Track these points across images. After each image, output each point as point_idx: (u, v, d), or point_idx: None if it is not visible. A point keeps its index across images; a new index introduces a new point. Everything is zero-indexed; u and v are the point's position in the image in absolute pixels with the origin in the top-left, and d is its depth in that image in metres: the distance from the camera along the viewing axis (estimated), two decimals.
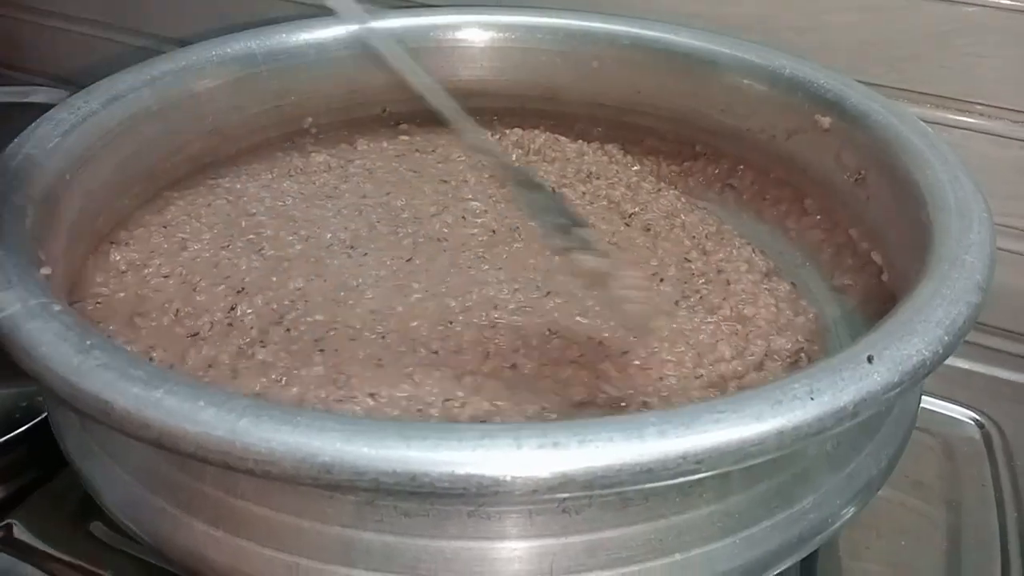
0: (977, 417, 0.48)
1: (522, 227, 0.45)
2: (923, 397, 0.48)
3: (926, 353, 0.27)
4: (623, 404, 0.34)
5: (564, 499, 0.26)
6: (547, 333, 0.37)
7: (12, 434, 0.44)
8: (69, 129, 0.40)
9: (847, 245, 0.44)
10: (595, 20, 0.53)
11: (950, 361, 0.51)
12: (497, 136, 0.54)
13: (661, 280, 0.41)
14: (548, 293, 0.40)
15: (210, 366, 0.35)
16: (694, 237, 0.45)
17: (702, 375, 0.35)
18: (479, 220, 0.46)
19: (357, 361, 0.35)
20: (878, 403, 0.25)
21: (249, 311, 0.38)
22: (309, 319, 0.38)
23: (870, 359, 0.26)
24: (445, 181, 0.49)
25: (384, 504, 0.26)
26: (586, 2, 0.54)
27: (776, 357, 0.37)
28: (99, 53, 0.75)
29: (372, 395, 0.33)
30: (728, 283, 0.41)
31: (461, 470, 0.22)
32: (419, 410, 0.33)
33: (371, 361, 0.35)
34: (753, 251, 0.44)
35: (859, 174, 0.43)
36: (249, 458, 0.23)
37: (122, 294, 0.39)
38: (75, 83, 0.77)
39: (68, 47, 0.78)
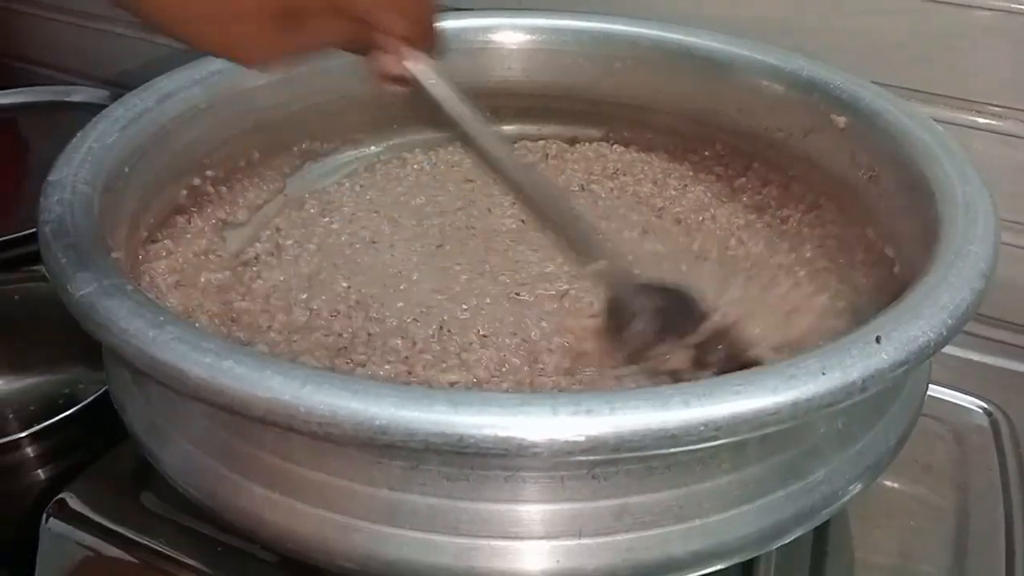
0: (986, 406, 0.50)
1: None
2: (934, 387, 0.50)
3: (931, 335, 0.29)
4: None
5: (594, 465, 0.28)
6: None
7: (59, 417, 0.47)
8: (127, 124, 0.42)
9: (862, 239, 0.46)
10: (618, 23, 0.55)
11: (961, 352, 0.54)
12: (522, 138, 0.57)
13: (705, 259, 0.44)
14: None
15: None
16: (727, 228, 0.47)
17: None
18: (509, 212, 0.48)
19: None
20: (885, 380, 0.28)
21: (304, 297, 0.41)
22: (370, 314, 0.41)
23: (878, 339, 0.28)
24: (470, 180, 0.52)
25: (428, 468, 0.29)
26: (610, 5, 0.56)
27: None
28: (141, 55, 0.78)
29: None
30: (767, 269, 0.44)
31: (504, 432, 0.25)
32: None
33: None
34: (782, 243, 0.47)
35: (873, 171, 0.45)
36: (313, 421, 0.25)
37: (176, 278, 0.42)
38: (114, 83, 0.81)
39: (109, 49, 0.81)
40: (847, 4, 0.52)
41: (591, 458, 0.27)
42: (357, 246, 0.47)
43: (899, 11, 0.51)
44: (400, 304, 0.42)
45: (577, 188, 0.52)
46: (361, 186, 0.53)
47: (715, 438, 0.26)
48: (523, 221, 0.47)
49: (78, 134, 0.41)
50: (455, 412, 0.25)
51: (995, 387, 0.51)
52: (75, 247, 0.33)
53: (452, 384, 0.37)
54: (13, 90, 0.78)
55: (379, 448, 0.27)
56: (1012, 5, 0.49)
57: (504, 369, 0.38)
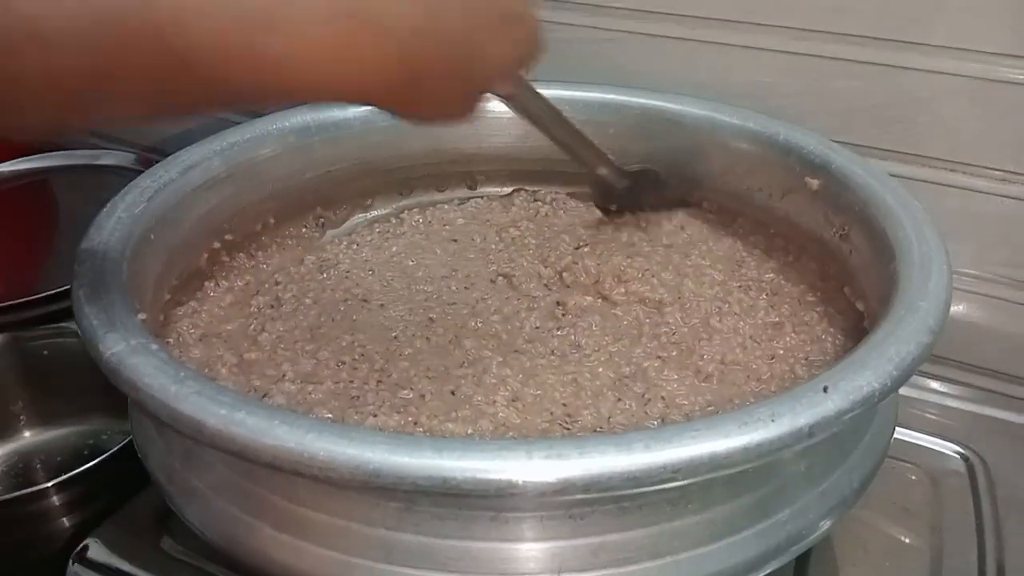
0: (963, 451, 0.52)
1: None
2: (912, 432, 0.53)
3: (875, 385, 0.32)
4: None
5: (570, 506, 0.31)
6: None
7: (84, 467, 0.49)
8: (153, 195, 0.46)
9: (837, 293, 0.49)
10: (611, 92, 0.59)
11: (939, 399, 0.56)
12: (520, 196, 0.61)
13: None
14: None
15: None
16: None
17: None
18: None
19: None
20: (832, 426, 0.30)
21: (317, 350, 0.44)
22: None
23: (825, 389, 0.31)
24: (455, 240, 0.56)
25: (421, 509, 0.32)
26: (604, 72, 0.60)
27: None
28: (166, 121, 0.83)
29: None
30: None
31: (483, 475, 0.28)
32: None
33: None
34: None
35: (843, 230, 0.48)
36: (315, 466, 0.28)
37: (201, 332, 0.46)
38: (140, 146, 0.85)
39: None
40: (828, 69, 0.56)
41: (565, 498, 0.30)
42: (350, 303, 0.50)
43: (873, 75, 0.55)
44: (404, 363, 0.45)
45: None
46: (357, 244, 0.56)
47: (674, 479, 0.29)
48: (503, 276, 0.51)
49: (108, 204, 0.45)
50: (440, 456, 0.28)
51: (971, 431, 0.53)
52: (106, 310, 0.36)
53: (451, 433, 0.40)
54: (46, 154, 0.82)
55: (375, 490, 0.30)
56: (975, 69, 0.52)
57: (504, 426, 0.40)
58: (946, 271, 0.39)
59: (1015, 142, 0.52)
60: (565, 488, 0.28)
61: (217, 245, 0.51)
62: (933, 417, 0.55)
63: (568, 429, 0.40)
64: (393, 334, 0.46)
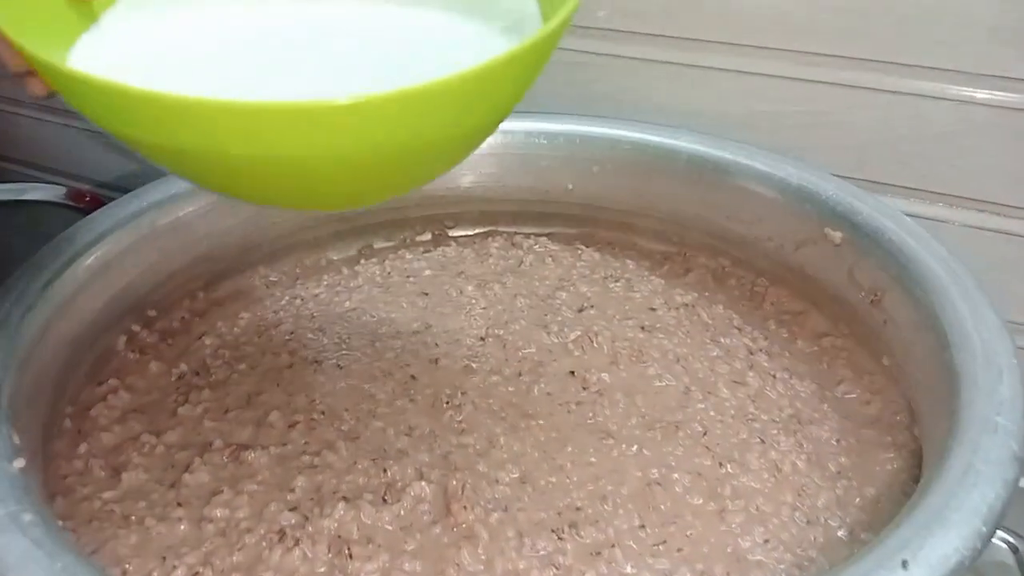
0: (1011, 540, 0.45)
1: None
2: None
3: (964, 552, 0.25)
4: None
5: None
6: None
7: None
8: (51, 278, 0.39)
9: (869, 362, 0.42)
10: (594, 125, 0.51)
11: None
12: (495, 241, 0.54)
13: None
14: None
15: None
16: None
17: None
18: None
19: None
20: None
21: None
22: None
23: (904, 564, 0.24)
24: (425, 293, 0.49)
25: None
26: (586, 105, 0.53)
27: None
28: (103, 151, 0.75)
29: None
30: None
31: None
32: None
33: None
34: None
35: (875, 295, 0.41)
36: None
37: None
38: (71, 176, 0.78)
39: (66, 143, 0.78)
40: (844, 100, 0.49)
41: None
42: (296, 366, 0.43)
43: (896, 106, 0.48)
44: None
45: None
46: (301, 299, 0.49)
47: None
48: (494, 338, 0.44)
49: None
50: None
51: (1019, 516, 0.47)
52: None
53: None
54: None
55: None
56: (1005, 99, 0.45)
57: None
58: (1015, 366, 0.32)
59: None
60: None
61: (136, 327, 0.43)
62: None
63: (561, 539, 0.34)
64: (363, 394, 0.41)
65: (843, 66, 0.48)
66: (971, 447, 0.28)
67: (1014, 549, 0.45)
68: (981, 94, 0.46)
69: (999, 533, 0.45)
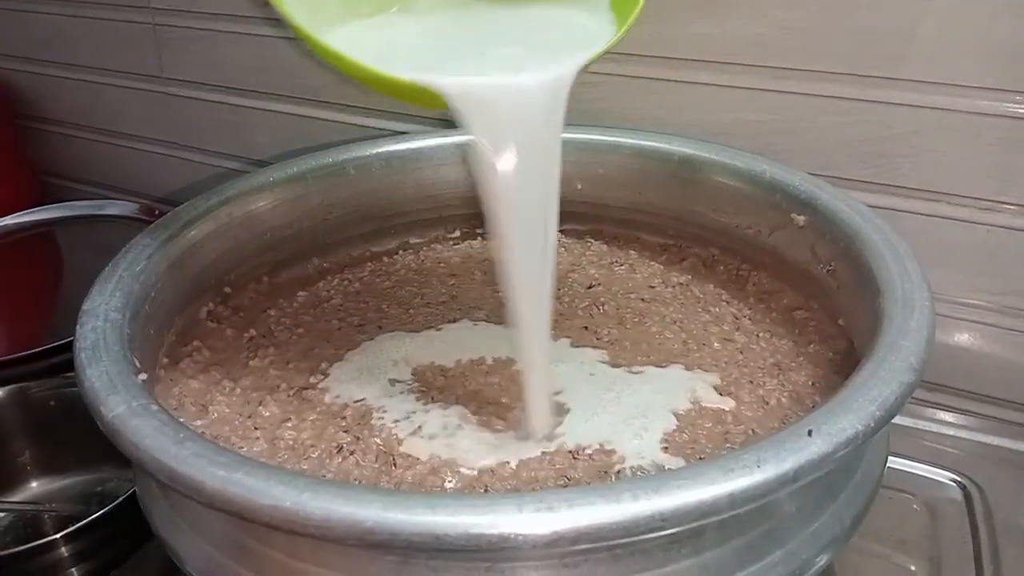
0: (959, 479, 0.52)
1: None
2: (908, 462, 0.53)
3: (859, 427, 0.32)
4: None
5: (563, 555, 0.32)
6: None
7: (93, 517, 0.49)
8: (153, 252, 0.48)
9: (831, 327, 0.50)
10: (598, 133, 0.60)
11: (934, 427, 0.57)
12: None
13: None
14: None
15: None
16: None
17: None
18: None
19: None
20: (816, 469, 0.31)
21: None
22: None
23: (810, 432, 0.32)
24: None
25: (417, 563, 0.32)
26: (591, 116, 0.62)
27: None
28: (169, 171, 0.85)
29: None
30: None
31: (475, 530, 0.28)
32: None
33: None
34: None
35: (830, 266, 0.49)
36: (311, 524, 0.29)
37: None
38: (144, 195, 0.87)
39: (139, 165, 0.88)
40: (814, 108, 0.57)
41: (557, 549, 0.30)
42: (344, 329, 0.52)
43: (858, 112, 0.56)
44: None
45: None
46: (348, 280, 0.59)
47: (663, 528, 0.29)
48: None
49: (110, 263, 0.46)
50: (433, 513, 0.29)
51: (967, 458, 0.54)
52: (107, 372, 0.37)
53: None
54: (51, 205, 0.83)
55: (370, 546, 0.31)
56: (958, 103, 0.53)
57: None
58: (928, 307, 0.40)
59: (997, 173, 0.53)
60: (556, 540, 0.29)
61: (211, 305, 0.53)
62: (929, 446, 0.55)
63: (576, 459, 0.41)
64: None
65: (811, 79, 0.56)
66: (877, 361, 0.36)
67: (962, 487, 0.52)
68: (931, 99, 0.54)
69: (952, 476, 0.53)
